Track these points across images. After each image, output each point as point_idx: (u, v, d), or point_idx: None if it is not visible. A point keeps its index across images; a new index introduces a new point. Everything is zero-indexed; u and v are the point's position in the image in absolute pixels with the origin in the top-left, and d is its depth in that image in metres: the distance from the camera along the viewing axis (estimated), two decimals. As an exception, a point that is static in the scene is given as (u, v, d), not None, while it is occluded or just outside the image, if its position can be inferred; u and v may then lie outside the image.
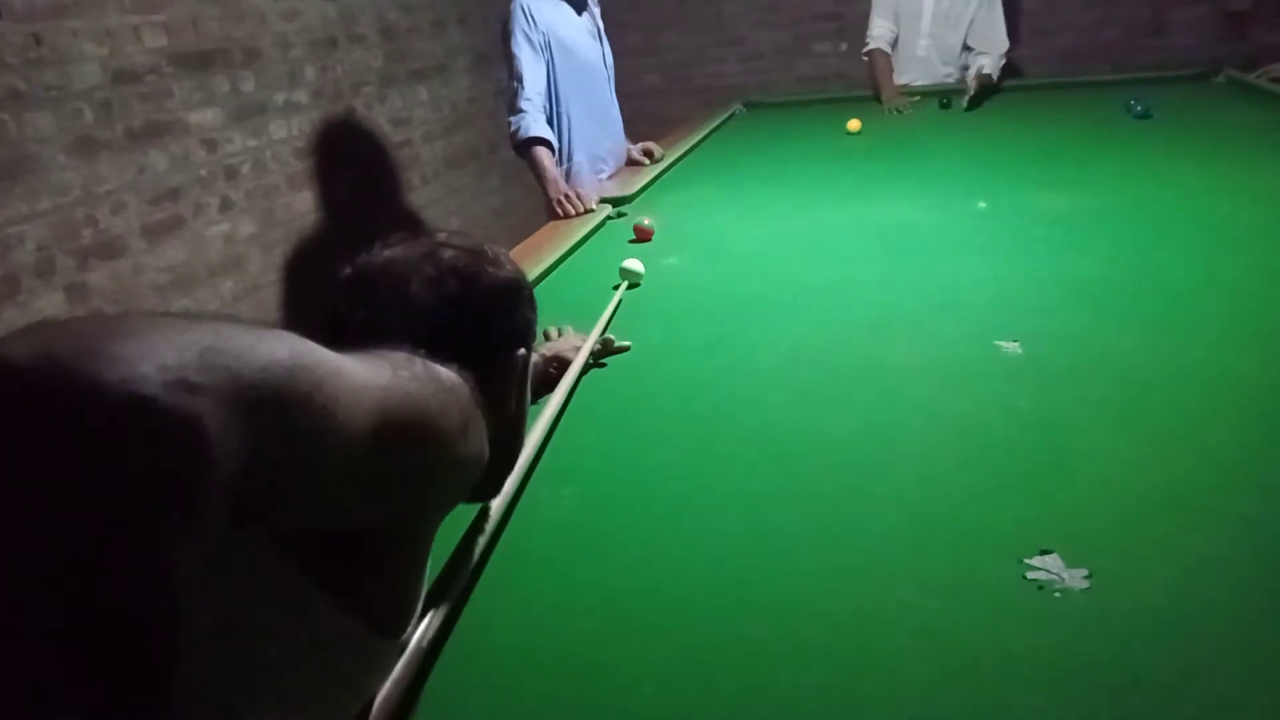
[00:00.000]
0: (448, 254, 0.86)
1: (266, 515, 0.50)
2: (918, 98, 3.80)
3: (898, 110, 3.70)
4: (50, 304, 2.27)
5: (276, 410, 0.47)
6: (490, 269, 0.88)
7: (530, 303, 0.94)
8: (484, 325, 0.86)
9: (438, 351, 0.73)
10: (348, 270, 0.86)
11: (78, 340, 0.42)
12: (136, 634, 0.41)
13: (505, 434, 0.88)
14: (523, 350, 0.91)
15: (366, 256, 0.87)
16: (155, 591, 0.41)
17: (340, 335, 0.57)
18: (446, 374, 0.73)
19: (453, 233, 0.92)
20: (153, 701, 0.41)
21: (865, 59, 4.02)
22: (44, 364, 0.40)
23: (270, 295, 3.08)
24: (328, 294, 0.85)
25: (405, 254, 0.86)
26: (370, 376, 0.59)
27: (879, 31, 3.93)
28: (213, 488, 0.42)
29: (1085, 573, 0.90)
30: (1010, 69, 3.82)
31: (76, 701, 0.40)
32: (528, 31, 2.69)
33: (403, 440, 0.62)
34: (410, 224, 3.84)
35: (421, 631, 0.82)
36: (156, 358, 0.42)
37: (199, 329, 0.45)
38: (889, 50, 3.92)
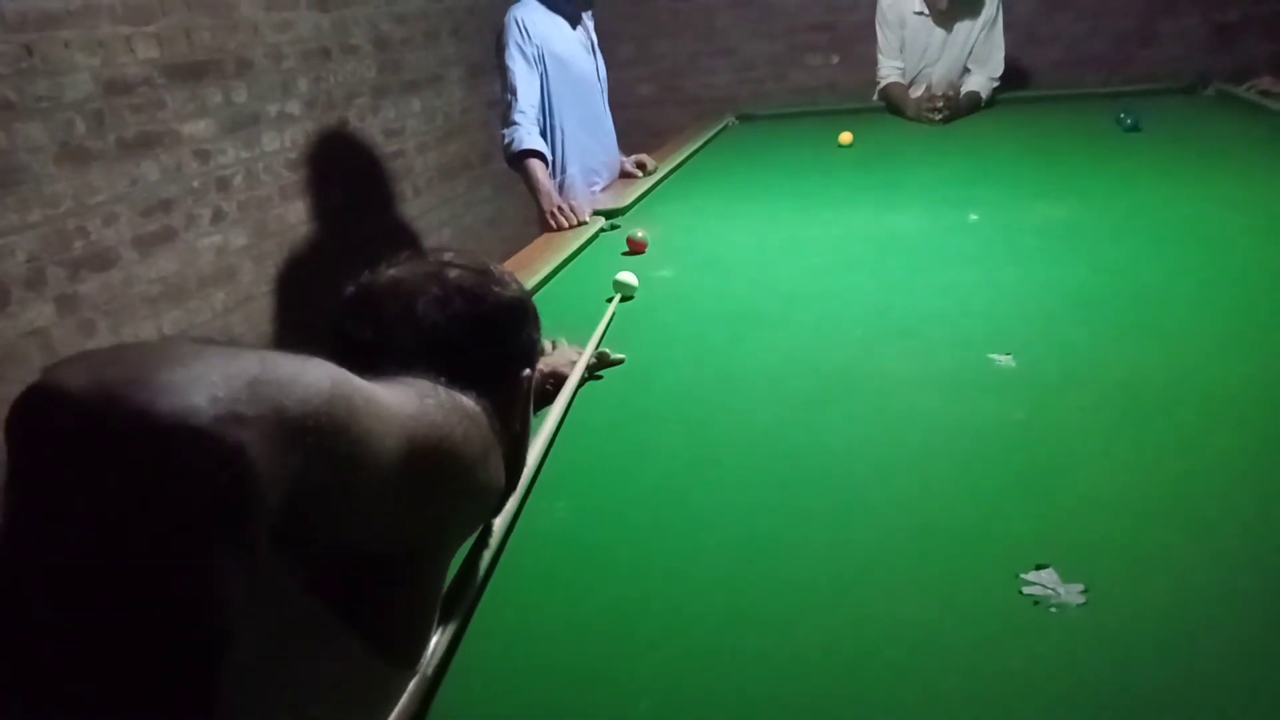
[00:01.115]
0: (454, 273, 0.86)
1: (301, 538, 0.51)
2: (935, 96, 3.73)
3: (930, 116, 3.63)
4: (40, 315, 2.26)
5: (317, 439, 0.48)
6: (496, 288, 0.88)
7: (535, 321, 0.94)
8: (490, 344, 0.86)
9: (449, 375, 0.74)
10: (351, 289, 0.86)
11: (127, 370, 0.42)
12: (187, 654, 0.42)
13: (509, 453, 0.88)
14: (527, 370, 0.91)
15: (371, 275, 0.86)
16: (204, 616, 0.42)
17: (346, 354, 0.58)
18: (467, 402, 0.74)
19: (457, 251, 0.91)
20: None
21: (878, 99, 3.96)
22: (97, 394, 0.41)
23: (262, 307, 3.07)
24: (330, 311, 0.85)
25: (411, 273, 0.86)
26: (400, 405, 0.60)
27: (887, 71, 3.92)
28: (258, 515, 0.43)
29: (1081, 588, 0.90)
30: (1001, 79, 3.84)
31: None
32: (521, 44, 2.70)
33: (429, 466, 0.63)
34: (403, 235, 3.84)
35: (429, 654, 0.81)
36: (206, 388, 0.43)
37: (245, 359, 0.46)
38: (902, 80, 3.91)
